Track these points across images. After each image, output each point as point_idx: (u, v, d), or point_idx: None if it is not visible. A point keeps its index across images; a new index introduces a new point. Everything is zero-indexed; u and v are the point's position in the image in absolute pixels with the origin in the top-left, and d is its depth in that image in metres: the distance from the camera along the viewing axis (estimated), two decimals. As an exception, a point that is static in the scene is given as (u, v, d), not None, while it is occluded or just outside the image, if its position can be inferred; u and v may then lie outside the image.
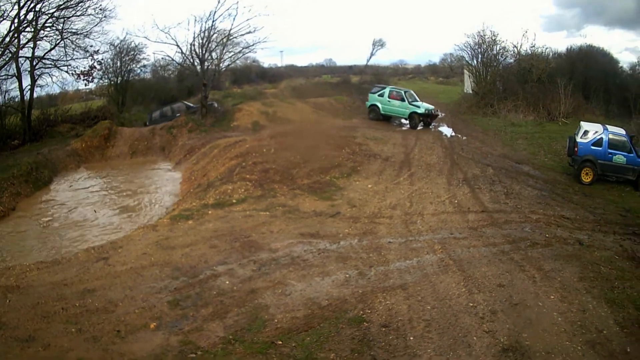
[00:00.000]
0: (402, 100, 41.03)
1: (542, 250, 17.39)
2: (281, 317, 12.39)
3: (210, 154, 31.39)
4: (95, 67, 42.13)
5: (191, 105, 44.59)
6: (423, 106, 40.69)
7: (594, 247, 17.98)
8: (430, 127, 40.98)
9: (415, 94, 43.01)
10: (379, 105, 42.25)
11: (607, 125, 29.31)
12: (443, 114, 42.50)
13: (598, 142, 27.40)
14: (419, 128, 40.17)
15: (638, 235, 20.05)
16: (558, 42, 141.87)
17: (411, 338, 11.79)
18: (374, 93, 43.16)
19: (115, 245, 16.68)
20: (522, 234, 19.01)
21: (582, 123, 29.89)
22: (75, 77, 40.97)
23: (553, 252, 17.21)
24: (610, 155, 27.13)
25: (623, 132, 28.37)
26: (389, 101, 41.79)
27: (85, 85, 42.56)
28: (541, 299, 13.93)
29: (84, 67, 41.04)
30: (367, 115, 43.21)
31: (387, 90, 42.66)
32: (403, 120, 41.84)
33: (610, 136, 27.48)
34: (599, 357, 11.49)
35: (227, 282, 14.09)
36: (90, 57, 41.06)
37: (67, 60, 39.73)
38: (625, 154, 27.01)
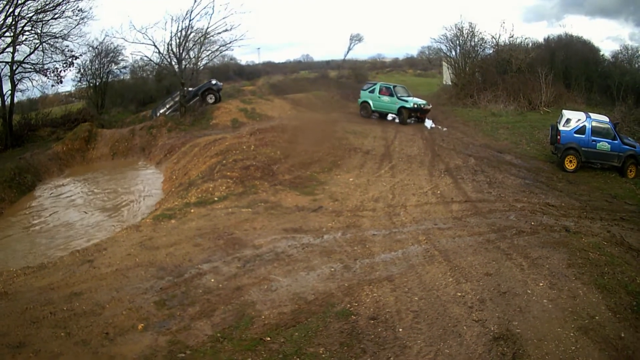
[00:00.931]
0: (391, 95, 40.99)
1: (528, 238, 17.36)
2: (268, 313, 12.27)
3: (190, 153, 31.26)
4: (69, 64, 41.67)
5: (200, 85, 45.27)
6: (412, 101, 40.29)
7: (581, 233, 17.96)
8: (426, 123, 40.89)
9: (406, 89, 42.87)
10: (370, 102, 42.12)
11: (590, 113, 29.46)
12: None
13: (581, 130, 27.65)
14: (409, 122, 39.99)
15: (625, 221, 20.14)
16: (538, 32, 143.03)
17: (400, 330, 11.70)
18: (365, 90, 42.97)
19: (99, 247, 16.49)
20: (507, 223, 18.99)
21: (564, 111, 30.12)
22: (51, 76, 40.53)
23: (540, 240, 17.17)
24: (594, 142, 27.37)
25: (606, 119, 28.69)
26: (379, 97, 41.64)
27: (58, 82, 42.02)
28: (530, 286, 13.86)
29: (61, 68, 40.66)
30: (346, 110, 43.24)
31: (377, 87, 42.42)
32: (393, 116, 41.61)
33: (594, 124, 27.78)
34: (592, 343, 11.41)
35: (213, 280, 13.96)
36: (68, 60, 40.73)
37: (46, 64, 39.47)
38: (610, 140, 27.31)
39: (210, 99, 44.05)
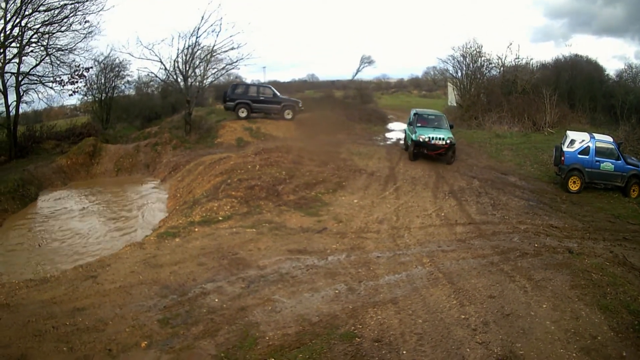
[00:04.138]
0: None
1: (531, 260, 17.39)
2: (272, 334, 12.25)
3: (195, 171, 31.32)
4: (81, 75, 41.68)
5: (280, 95, 45.22)
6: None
7: (584, 254, 18.02)
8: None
9: (438, 117, 35.52)
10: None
11: (594, 134, 29.51)
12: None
13: (585, 151, 27.62)
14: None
15: (628, 241, 20.17)
16: (545, 53, 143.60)
17: (404, 352, 11.68)
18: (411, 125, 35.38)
19: (103, 263, 16.49)
20: (510, 245, 19.02)
21: (568, 132, 30.12)
22: (62, 86, 40.50)
23: (543, 262, 17.21)
24: (597, 162, 27.37)
25: (610, 139, 28.66)
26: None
27: (71, 94, 42.17)
28: (533, 308, 13.88)
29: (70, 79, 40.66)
30: (351, 131, 43.06)
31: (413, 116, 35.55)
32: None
33: (598, 144, 27.74)
34: (594, 364, 11.47)
35: (217, 300, 13.95)
36: (75, 73, 40.76)
37: (52, 77, 39.52)
38: (613, 161, 27.31)
39: (288, 114, 43.98)
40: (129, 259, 16.80)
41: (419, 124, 34.12)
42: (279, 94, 44.65)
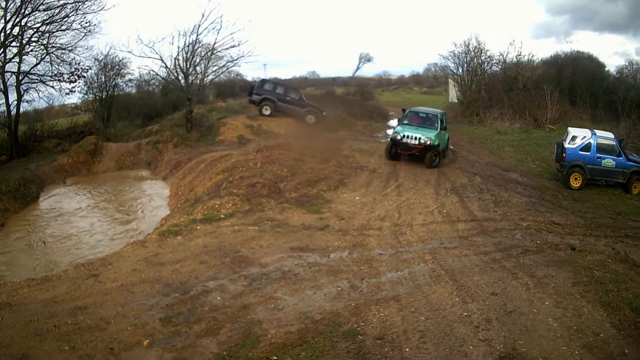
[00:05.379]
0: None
1: (534, 257, 17.37)
2: (275, 332, 12.25)
3: (196, 169, 31.31)
4: (80, 76, 41.63)
5: (306, 100, 45.35)
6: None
7: (586, 251, 18.00)
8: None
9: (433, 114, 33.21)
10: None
11: (596, 130, 29.52)
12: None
13: (586, 147, 27.61)
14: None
15: (630, 238, 20.14)
16: (546, 49, 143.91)
17: (407, 349, 11.67)
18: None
19: (104, 261, 16.47)
20: (513, 242, 19.00)
21: (570, 128, 30.12)
22: (60, 82, 40.42)
23: (545, 259, 17.19)
24: (599, 159, 27.35)
25: (612, 135, 28.69)
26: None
27: (68, 93, 42.06)
28: (535, 305, 13.87)
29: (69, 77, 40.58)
30: (353, 128, 43.08)
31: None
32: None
33: (599, 140, 27.73)
34: (597, 360, 11.47)
35: (219, 298, 13.94)
36: (74, 73, 40.70)
37: (52, 74, 39.51)
38: (615, 157, 27.26)
39: (310, 119, 44.14)
40: (131, 257, 16.79)
41: (405, 122, 32.54)
42: (305, 98, 44.75)
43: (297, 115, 43.78)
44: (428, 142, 30.40)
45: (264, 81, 45.70)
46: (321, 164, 29.54)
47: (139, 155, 37.80)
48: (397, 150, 31.82)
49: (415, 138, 30.63)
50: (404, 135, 31.02)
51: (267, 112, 43.40)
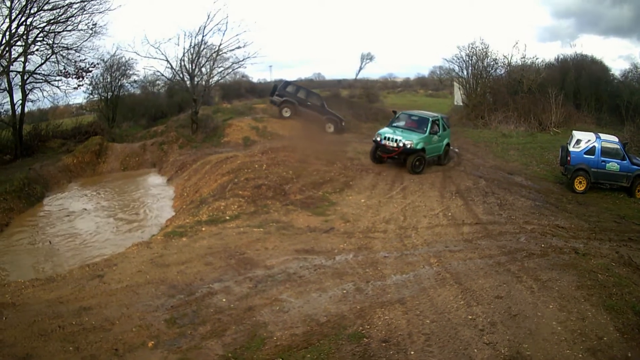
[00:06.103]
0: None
1: (538, 260, 17.37)
2: (280, 335, 12.27)
3: (202, 170, 31.33)
4: (87, 70, 41.63)
5: (327, 108, 45.17)
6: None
7: (590, 255, 18.00)
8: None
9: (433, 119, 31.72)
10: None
11: (600, 134, 29.52)
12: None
13: (591, 151, 27.61)
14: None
15: (634, 242, 20.15)
16: (552, 52, 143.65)
17: (412, 352, 11.68)
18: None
19: (109, 262, 16.50)
20: (517, 245, 19.00)
21: (574, 132, 30.13)
22: (66, 78, 40.36)
23: (549, 262, 17.18)
24: (603, 163, 27.37)
25: (616, 139, 28.65)
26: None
27: (75, 88, 41.97)
28: (540, 309, 13.88)
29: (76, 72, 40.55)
30: (358, 130, 43.04)
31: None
32: None
33: (603, 144, 27.71)
34: (600, 364, 11.49)
35: (224, 300, 13.97)
36: (81, 69, 40.69)
37: (57, 76, 39.54)
38: (619, 161, 27.29)
39: (329, 127, 44.07)
40: (136, 258, 16.83)
41: (395, 124, 31.79)
42: (326, 105, 44.89)
43: (316, 122, 43.60)
44: (408, 145, 29.36)
45: (287, 83, 45.80)
46: (326, 166, 29.55)
47: (144, 156, 37.86)
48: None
49: (395, 140, 29.81)
50: (384, 137, 30.37)
51: (287, 114, 43.47)
